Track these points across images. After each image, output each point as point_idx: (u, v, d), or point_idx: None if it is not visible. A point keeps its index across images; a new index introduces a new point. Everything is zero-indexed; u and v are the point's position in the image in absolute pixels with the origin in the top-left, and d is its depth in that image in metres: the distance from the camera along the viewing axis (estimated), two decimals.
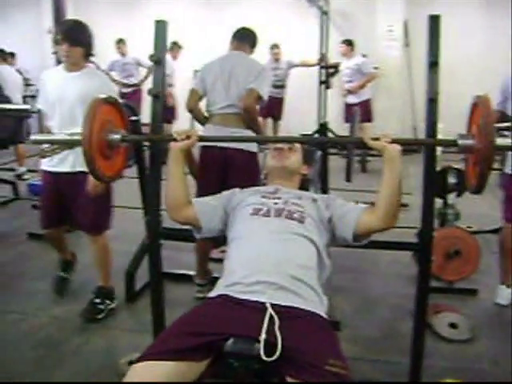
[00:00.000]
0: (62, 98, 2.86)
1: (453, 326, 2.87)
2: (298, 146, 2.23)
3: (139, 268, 3.29)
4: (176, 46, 7.96)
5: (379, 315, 3.08)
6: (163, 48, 2.26)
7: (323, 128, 7.96)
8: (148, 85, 7.67)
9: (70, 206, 3.02)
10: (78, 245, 4.24)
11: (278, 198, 1.98)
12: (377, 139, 1.81)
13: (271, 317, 1.54)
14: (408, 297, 3.25)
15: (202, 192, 2.86)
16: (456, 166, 3.54)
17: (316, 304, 1.69)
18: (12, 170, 6.67)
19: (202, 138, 2.00)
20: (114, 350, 2.66)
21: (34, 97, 9.75)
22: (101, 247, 3.15)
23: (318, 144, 2.87)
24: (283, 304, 1.61)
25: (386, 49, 8.03)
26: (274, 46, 7.57)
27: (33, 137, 2.06)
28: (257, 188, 2.15)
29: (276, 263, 1.71)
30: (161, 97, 2.23)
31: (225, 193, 2.11)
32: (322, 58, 7.77)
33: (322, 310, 1.69)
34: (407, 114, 8.35)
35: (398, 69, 8.12)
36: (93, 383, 2.44)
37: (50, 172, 2.99)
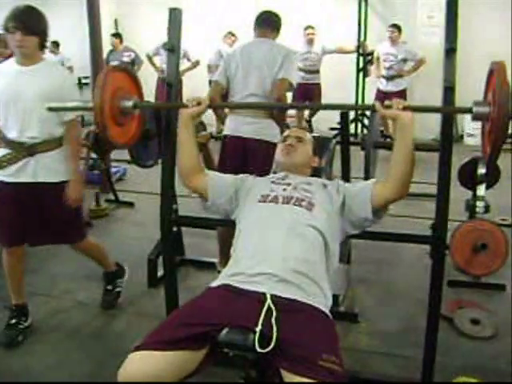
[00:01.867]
0: (18, 96, 2.46)
1: (475, 322, 2.79)
2: (308, 136, 2.18)
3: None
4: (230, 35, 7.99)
5: (400, 309, 3.02)
6: (178, 36, 2.27)
7: (360, 116, 7.90)
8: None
9: (34, 220, 2.62)
10: (103, 228, 4.36)
11: (288, 184, 1.95)
12: (389, 107, 1.79)
13: (269, 308, 1.53)
14: None
15: None
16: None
17: (318, 298, 1.66)
18: None
19: (211, 105, 2.06)
20: (130, 334, 2.70)
21: None
22: (84, 249, 2.92)
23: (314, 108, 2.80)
24: (283, 296, 1.60)
25: (426, 36, 7.80)
26: (308, 27, 7.32)
27: (48, 105, 2.12)
28: (267, 176, 2.13)
29: (280, 257, 1.69)
30: (174, 85, 2.24)
31: (240, 175, 2.11)
32: (360, 44, 7.67)
33: (324, 305, 1.66)
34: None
35: (438, 56, 7.83)
36: (93, 383, 2.44)
37: (7, 183, 2.56)
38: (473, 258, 3.19)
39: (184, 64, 8.21)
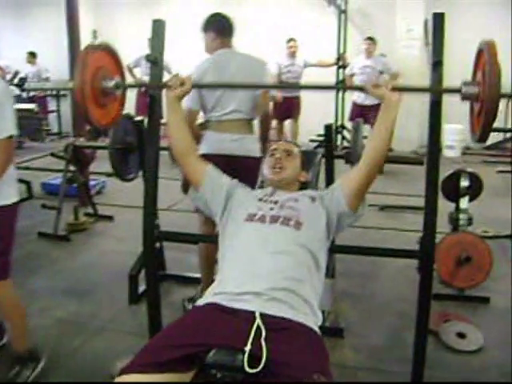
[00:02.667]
0: None
1: (461, 335, 2.77)
2: (296, 150, 2.14)
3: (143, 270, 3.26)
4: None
5: (385, 322, 2.99)
6: (161, 47, 2.23)
7: (340, 128, 7.93)
8: None
9: None
10: (82, 243, 4.27)
11: (275, 202, 1.91)
12: (378, 86, 1.81)
13: (258, 327, 1.49)
14: (414, 303, 3.17)
15: None
16: (469, 170, 3.42)
17: (308, 316, 1.62)
18: (27, 168, 6.71)
19: (196, 85, 2.04)
20: (111, 353, 2.62)
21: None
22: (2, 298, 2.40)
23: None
24: (273, 314, 1.55)
25: (405, 48, 7.88)
26: (291, 40, 7.32)
27: (27, 85, 2.05)
28: (255, 191, 2.09)
29: (269, 276, 1.65)
30: (157, 98, 2.19)
31: (234, 180, 2.08)
32: (340, 57, 7.71)
33: (313, 323, 1.62)
34: (427, 115, 8.19)
35: (417, 68, 7.94)
36: (94, 383, 2.41)
37: None
38: (457, 270, 3.19)
39: (165, 77, 8.17)
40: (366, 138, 7.44)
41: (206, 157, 2.92)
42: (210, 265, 3.03)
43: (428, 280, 2.02)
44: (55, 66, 9.39)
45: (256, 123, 3.12)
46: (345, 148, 7.35)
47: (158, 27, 2.22)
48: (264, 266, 1.67)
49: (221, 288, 1.68)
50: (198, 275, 3.34)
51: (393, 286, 3.46)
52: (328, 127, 2.61)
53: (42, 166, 6.46)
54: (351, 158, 2.70)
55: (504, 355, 2.63)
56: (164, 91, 2.05)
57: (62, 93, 9.85)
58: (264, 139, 3.08)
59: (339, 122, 8.15)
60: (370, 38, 7.12)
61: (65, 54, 8.57)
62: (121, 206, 5.05)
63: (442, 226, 3.95)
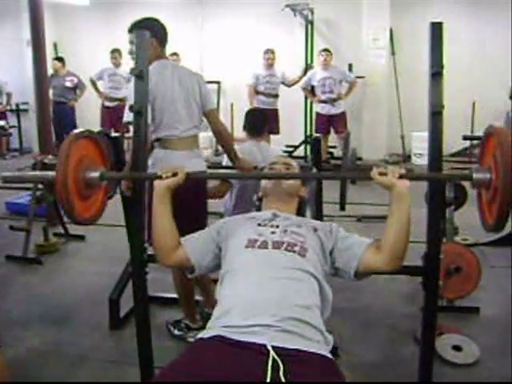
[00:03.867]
0: None
1: (457, 348, 2.72)
2: (294, 164, 2.07)
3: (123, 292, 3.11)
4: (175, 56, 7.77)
5: (379, 338, 2.92)
6: (145, 60, 2.11)
7: (309, 138, 7.91)
8: None
9: None
10: (54, 265, 4.08)
11: (276, 227, 1.82)
12: (384, 174, 1.68)
13: (274, 361, 1.38)
14: (408, 316, 3.15)
15: None
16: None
17: (320, 344, 1.53)
18: None
19: (189, 175, 1.84)
20: None
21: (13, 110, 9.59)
22: None
23: (319, 179, 2.57)
24: (286, 347, 1.44)
25: (372, 57, 7.95)
26: (268, 51, 7.26)
27: (3, 174, 1.88)
28: (251, 214, 1.99)
29: (276, 305, 1.54)
30: (144, 113, 2.07)
31: (212, 225, 1.96)
32: (308, 67, 7.71)
33: (327, 350, 1.53)
34: (395, 123, 8.28)
35: (384, 77, 8.05)
36: (96, 383, 2.34)
37: None
38: (446, 281, 3.16)
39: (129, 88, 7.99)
40: (333, 147, 7.53)
41: None
42: (189, 292, 2.92)
43: (433, 296, 1.96)
44: (14, 79, 9.14)
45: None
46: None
47: (142, 39, 2.11)
48: (271, 294, 1.57)
49: (227, 320, 1.56)
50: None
51: (382, 298, 3.40)
52: (316, 140, 2.54)
53: (2, 185, 6.19)
54: (342, 170, 2.62)
55: (501, 367, 2.59)
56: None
57: (22, 107, 9.56)
58: (228, 152, 3.00)
59: (308, 133, 8.14)
60: (326, 50, 7.22)
61: (24, 67, 8.38)
62: (92, 225, 4.85)
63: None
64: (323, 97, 7.24)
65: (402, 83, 8.23)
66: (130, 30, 2.72)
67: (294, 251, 1.71)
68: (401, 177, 1.67)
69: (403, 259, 1.72)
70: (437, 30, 1.93)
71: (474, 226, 4.35)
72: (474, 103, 7.96)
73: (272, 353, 1.40)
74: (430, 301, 1.98)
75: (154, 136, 2.74)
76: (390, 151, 8.36)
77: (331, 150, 7.84)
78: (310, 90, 7.43)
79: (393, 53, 8.20)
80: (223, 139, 2.99)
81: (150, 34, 2.58)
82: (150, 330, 2.18)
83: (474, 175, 1.66)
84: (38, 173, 1.94)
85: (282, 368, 1.36)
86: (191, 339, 2.83)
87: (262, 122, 3.42)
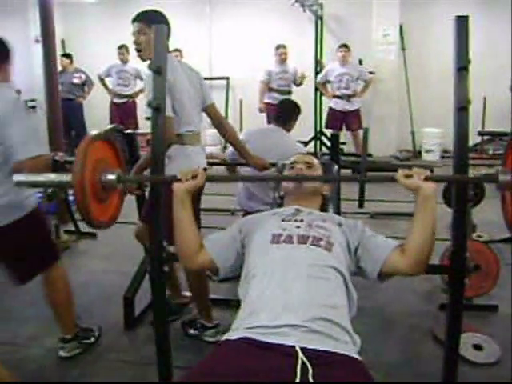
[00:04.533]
0: None
1: (477, 347, 2.68)
2: (316, 162, 2.02)
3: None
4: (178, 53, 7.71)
5: (397, 337, 2.89)
6: (164, 55, 2.06)
7: (319, 134, 7.85)
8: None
9: None
10: (67, 263, 4.04)
11: (301, 221, 1.78)
12: (410, 176, 1.64)
13: (303, 364, 1.34)
14: (425, 315, 3.11)
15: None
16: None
17: (348, 345, 1.50)
18: None
19: (211, 178, 1.80)
20: None
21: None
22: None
23: (341, 180, 2.49)
24: (315, 348, 1.41)
25: (382, 53, 7.89)
26: (280, 46, 7.21)
27: (16, 178, 1.84)
28: (274, 210, 1.95)
29: (304, 305, 1.51)
30: (163, 110, 2.03)
31: (233, 224, 1.92)
32: (318, 62, 7.65)
33: (355, 352, 1.50)
34: (405, 119, 8.21)
35: (394, 73, 7.98)
36: (100, 383, 2.35)
37: None
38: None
39: (137, 85, 7.96)
40: (343, 144, 7.45)
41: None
42: (204, 289, 2.86)
43: (460, 296, 1.91)
44: (24, 76, 9.10)
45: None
46: (325, 155, 7.31)
47: (160, 32, 2.06)
48: (298, 293, 1.54)
49: (252, 321, 1.52)
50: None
51: (398, 297, 3.35)
52: (335, 136, 2.49)
53: None
54: (359, 167, 2.58)
55: None
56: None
57: (29, 105, 9.53)
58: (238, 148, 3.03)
59: (318, 129, 8.08)
60: (344, 46, 7.16)
61: (32, 64, 8.35)
62: None
63: (443, 232, 3.90)
64: (338, 92, 7.21)
65: (412, 79, 8.17)
66: (134, 20, 2.70)
67: (320, 246, 1.68)
68: (426, 179, 1.64)
69: (427, 263, 1.69)
70: (462, 23, 1.87)
71: (488, 223, 4.36)
72: (484, 98, 7.88)
73: (301, 355, 1.37)
74: (456, 300, 1.93)
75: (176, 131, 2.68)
76: (400, 147, 8.30)
77: (341, 146, 7.79)
78: (325, 85, 7.36)
79: (403, 48, 8.14)
80: (228, 132, 2.96)
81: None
82: (169, 329, 2.15)
83: (500, 177, 1.64)
84: (53, 176, 1.88)
85: (310, 371, 1.33)
86: (209, 338, 2.80)
87: (289, 111, 3.47)
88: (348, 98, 7.14)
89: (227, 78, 9.01)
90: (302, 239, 1.70)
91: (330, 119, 7.38)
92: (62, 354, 2.69)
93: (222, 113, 9.46)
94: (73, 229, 4.63)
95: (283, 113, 3.55)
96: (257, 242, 1.76)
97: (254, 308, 1.56)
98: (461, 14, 1.89)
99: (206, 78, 9.69)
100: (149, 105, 2.00)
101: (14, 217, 2.36)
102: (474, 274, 3.08)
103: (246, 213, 3.31)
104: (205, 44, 9.07)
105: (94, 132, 1.84)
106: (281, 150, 3.04)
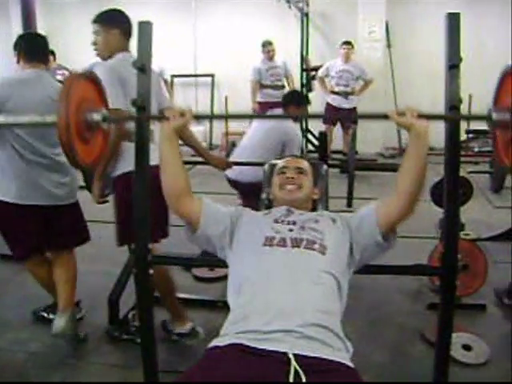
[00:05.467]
0: None
1: (467, 348, 2.66)
2: (307, 166, 1.98)
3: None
4: None
5: (386, 337, 2.87)
6: (148, 53, 2.01)
7: (306, 132, 7.82)
8: None
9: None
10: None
11: (293, 223, 1.74)
12: (403, 114, 1.64)
13: (296, 371, 1.30)
14: (413, 314, 3.10)
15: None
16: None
17: (342, 352, 1.46)
18: None
19: (197, 116, 1.82)
20: None
21: None
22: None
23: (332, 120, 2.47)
24: (308, 355, 1.37)
25: (368, 50, 7.87)
26: (267, 43, 7.15)
27: None
28: (266, 211, 1.90)
29: (298, 310, 1.47)
30: (147, 108, 1.97)
31: (231, 208, 1.88)
32: (304, 60, 7.61)
33: (347, 359, 1.47)
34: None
35: (380, 70, 7.96)
36: (95, 383, 2.32)
37: None
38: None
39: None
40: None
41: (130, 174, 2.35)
42: (172, 289, 2.81)
43: (451, 299, 1.88)
44: (7, 73, 8.93)
45: None
46: (310, 152, 7.27)
47: (145, 29, 2.01)
48: (291, 298, 1.50)
49: (244, 325, 1.48)
50: (180, 295, 3.13)
51: (387, 296, 3.34)
52: (322, 134, 2.45)
53: None
54: (347, 166, 2.54)
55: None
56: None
57: None
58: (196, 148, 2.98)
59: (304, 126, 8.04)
60: (348, 43, 7.13)
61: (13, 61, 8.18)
62: (90, 221, 4.73)
63: (431, 231, 3.90)
64: (336, 88, 7.16)
65: (398, 76, 8.16)
66: (93, 21, 2.71)
67: (313, 249, 1.64)
68: (419, 117, 1.64)
69: (415, 204, 1.69)
70: (454, 20, 1.85)
71: (474, 221, 4.36)
72: (470, 96, 7.89)
73: (293, 362, 1.33)
74: (447, 302, 1.90)
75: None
76: (385, 145, 8.30)
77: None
78: (323, 80, 7.33)
79: (389, 46, 8.13)
80: (185, 134, 2.79)
81: (114, 25, 2.65)
82: (154, 334, 2.10)
83: (494, 115, 1.64)
84: (37, 117, 1.83)
85: (304, 378, 1.29)
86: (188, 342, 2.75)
87: (287, 99, 3.73)
88: (345, 95, 7.10)
89: (212, 76, 8.94)
90: (296, 242, 1.66)
91: (326, 114, 7.35)
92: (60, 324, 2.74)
93: (208, 110, 9.44)
94: None
95: (283, 100, 3.81)
96: (249, 243, 1.72)
97: (246, 312, 1.52)
98: (452, 11, 1.87)
99: (190, 75, 9.71)
100: (133, 103, 1.95)
101: None
102: (462, 273, 3.08)
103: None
104: (190, 40, 8.97)
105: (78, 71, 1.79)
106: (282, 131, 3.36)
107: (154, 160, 1.97)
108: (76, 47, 9.04)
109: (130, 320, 2.81)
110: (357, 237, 1.73)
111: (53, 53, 8.19)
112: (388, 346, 2.78)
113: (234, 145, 7.27)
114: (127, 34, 2.70)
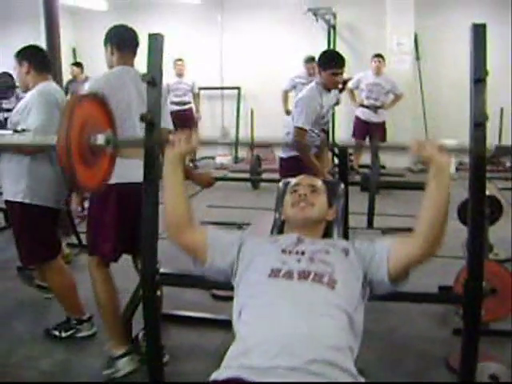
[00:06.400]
0: None
1: (493, 377, 2.50)
2: (320, 184, 1.88)
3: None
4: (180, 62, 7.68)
5: (407, 363, 2.72)
6: (159, 66, 1.95)
7: (333, 145, 7.71)
8: None
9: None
10: None
11: (302, 253, 1.64)
12: (423, 146, 1.55)
13: None
14: (436, 341, 2.94)
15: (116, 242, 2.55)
16: (488, 193, 3.18)
17: None
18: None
19: (203, 142, 1.74)
20: None
21: None
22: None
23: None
24: None
25: (396, 63, 7.72)
26: (310, 60, 6.97)
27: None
28: (274, 238, 1.81)
29: (304, 346, 1.37)
30: (156, 124, 1.91)
31: (237, 234, 1.82)
32: None
33: None
34: (419, 130, 8.03)
35: (409, 83, 7.80)
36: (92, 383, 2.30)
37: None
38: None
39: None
40: (350, 155, 7.24)
41: (113, 187, 2.34)
42: (116, 307, 2.72)
43: (474, 328, 1.76)
44: None
45: None
46: (335, 166, 7.15)
47: (156, 42, 1.95)
48: (297, 333, 1.40)
49: (246, 359, 1.38)
50: (197, 314, 3.05)
51: (409, 321, 3.18)
52: (343, 151, 2.34)
53: None
54: (369, 184, 2.42)
55: None
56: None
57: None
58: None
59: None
60: (379, 56, 7.02)
61: None
62: None
63: (458, 250, 3.73)
64: (366, 102, 7.07)
65: (427, 89, 8.00)
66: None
67: (321, 282, 1.54)
68: (440, 149, 1.53)
69: (440, 243, 1.56)
70: (480, 32, 1.74)
71: (505, 240, 4.18)
72: (501, 109, 7.69)
73: None
74: (471, 332, 1.78)
75: None
76: (414, 159, 8.12)
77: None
78: (353, 92, 7.23)
79: (417, 58, 7.98)
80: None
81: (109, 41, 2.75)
82: (162, 354, 2.03)
83: None
84: (38, 138, 1.79)
85: None
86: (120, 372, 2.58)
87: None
88: (375, 109, 6.98)
89: (238, 88, 8.91)
90: (303, 275, 1.56)
91: (355, 128, 7.24)
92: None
93: (233, 123, 9.43)
94: (74, 241, 4.51)
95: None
96: (253, 274, 1.63)
97: (247, 346, 1.42)
98: (477, 22, 1.76)
99: (217, 88, 9.71)
100: (142, 118, 1.89)
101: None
102: (489, 297, 2.92)
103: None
104: (216, 53, 8.98)
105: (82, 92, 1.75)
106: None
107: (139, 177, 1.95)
108: (103, 60, 9.17)
109: (140, 340, 2.71)
110: (368, 270, 1.64)
111: (80, 65, 8.30)
112: (409, 373, 2.63)
113: (258, 158, 7.27)
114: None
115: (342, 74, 3.66)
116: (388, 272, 1.58)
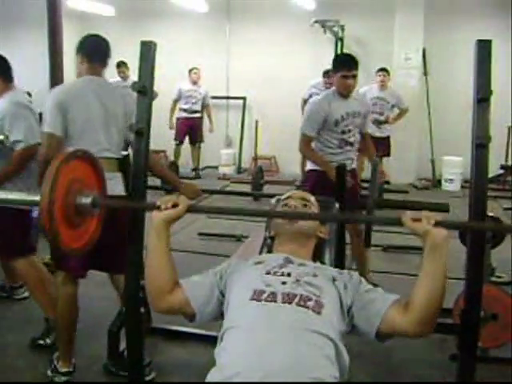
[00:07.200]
0: None
1: None
2: (313, 199, 1.82)
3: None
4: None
5: None
6: (150, 74, 1.88)
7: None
8: None
9: None
10: None
11: (288, 275, 1.55)
12: (418, 220, 1.42)
13: None
14: (432, 365, 2.84)
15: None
16: (491, 214, 3.08)
17: None
18: None
19: (191, 209, 1.60)
20: None
21: None
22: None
23: (340, 221, 2.18)
24: None
25: (403, 77, 7.66)
26: (327, 73, 6.78)
27: None
28: (260, 258, 1.73)
29: (285, 374, 1.29)
30: (145, 134, 1.84)
31: (216, 268, 1.71)
32: None
33: None
34: (425, 146, 7.95)
35: (416, 98, 7.73)
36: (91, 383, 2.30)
37: None
38: (480, 328, 2.84)
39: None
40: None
41: None
42: (73, 323, 2.63)
43: (471, 362, 1.67)
44: (39, 91, 9.07)
45: None
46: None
47: (148, 50, 1.89)
48: (278, 360, 1.32)
49: None
50: (191, 330, 2.97)
51: (406, 344, 3.07)
52: (341, 168, 2.26)
53: None
54: (367, 203, 2.34)
55: None
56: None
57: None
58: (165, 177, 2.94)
59: None
60: (384, 70, 6.92)
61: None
62: None
63: (458, 271, 3.63)
64: (373, 116, 6.96)
65: (434, 105, 7.92)
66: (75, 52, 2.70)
67: (307, 307, 1.45)
68: (436, 224, 1.41)
69: (434, 324, 1.46)
70: (484, 48, 1.66)
71: (507, 261, 4.07)
72: (509, 128, 7.60)
73: None
74: (467, 362, 1.69)
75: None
76: (419, 175, 8.04)
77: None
78: None
79: (425, 73, 7.91)
80: (156, 169, 2.71)
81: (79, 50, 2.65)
82: (144, 370, 1.95)
83: None
84: (23, 195, 1.72)
85: None
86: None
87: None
88: (378, 124, 6.86)
89: (244, 98, 8.87)
90: (288, 298, 1.48)
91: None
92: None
93: (238, 133, 9.44)
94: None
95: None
96: (236, 298, 1.55)
97: (227, 374, 1.34)
98: (482, 38, 1.68)
99: (222, 97, 9.73)
100: (130, 128, 1.83)
101: None
102: (490, 322, 2.82)
103: None
104: (222, 63, 8.96)
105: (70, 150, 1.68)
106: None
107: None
108: (110, 64, 9.15)
109: (126, 355, 2.63)
110: (357, 312, 1.54)
111: (125, 63, 8.07)
112: None
113: (261, 170, 7.20)
114: (88, 56, 2.65)
115: (354, 77, 3.53)
116: (377, 330, 1.50)
